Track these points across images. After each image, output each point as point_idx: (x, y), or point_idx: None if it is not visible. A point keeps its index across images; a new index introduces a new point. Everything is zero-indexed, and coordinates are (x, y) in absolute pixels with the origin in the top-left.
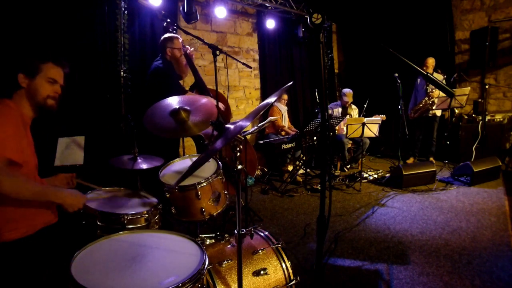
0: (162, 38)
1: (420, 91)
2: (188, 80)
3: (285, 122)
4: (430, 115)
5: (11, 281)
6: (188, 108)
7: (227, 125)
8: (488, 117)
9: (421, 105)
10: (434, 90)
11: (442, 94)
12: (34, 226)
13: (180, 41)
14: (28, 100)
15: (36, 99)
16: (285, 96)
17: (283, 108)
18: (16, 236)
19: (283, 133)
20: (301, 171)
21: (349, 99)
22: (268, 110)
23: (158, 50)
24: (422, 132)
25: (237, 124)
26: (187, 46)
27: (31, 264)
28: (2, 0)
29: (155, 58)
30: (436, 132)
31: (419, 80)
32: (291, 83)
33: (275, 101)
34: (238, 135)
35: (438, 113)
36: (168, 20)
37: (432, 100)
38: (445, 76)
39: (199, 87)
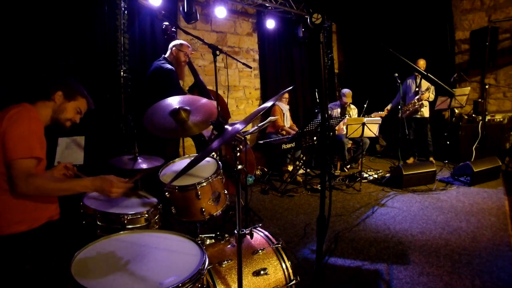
0: (172, 42)
1: (409, 92)
2: (188, 81)
3: (287, 121)
4: (418, 116)
5: (14, 273)
6: (188, 108)
7: (226, 126)
8: (488, 117)
9: (410, 106)
10: (424, 93)
11: (431, 97)
12: (39, 220)
13: (190, 49)
14: (52, 113)
15: (60, 117)
16: (286, 95)
17: (285, 108)
18: (22, 229)
19: (283, 132)
20: (301, 171)
21: (348, 99)
22: (269, 110)
23: (159, 50)
24: (413, 132)
25: (234, 126)
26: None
27: (34, 258)
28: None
29: (155, 58)
30: (429, 133)
31: (408, 81)
32: (291, 87)
33: (272, 105)
34: (238, 135)
35: (426, 114)
36: (167, 23)
37: (421, 102)
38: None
39: (199, 88)
